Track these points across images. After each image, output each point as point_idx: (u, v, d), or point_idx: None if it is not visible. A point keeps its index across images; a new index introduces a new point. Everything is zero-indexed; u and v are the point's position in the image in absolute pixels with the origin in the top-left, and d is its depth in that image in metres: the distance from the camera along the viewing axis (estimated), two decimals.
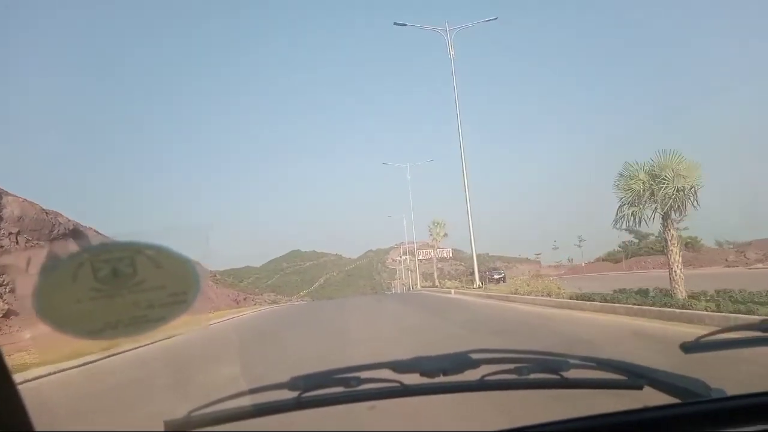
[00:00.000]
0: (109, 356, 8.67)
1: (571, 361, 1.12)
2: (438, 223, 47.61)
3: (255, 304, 40.71)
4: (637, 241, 51.98)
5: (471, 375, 1.08)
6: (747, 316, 6.88)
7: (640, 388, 1.12)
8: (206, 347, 9.53)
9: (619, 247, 53.57)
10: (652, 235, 48.47)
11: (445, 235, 48.06)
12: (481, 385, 1.10)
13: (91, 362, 8.09)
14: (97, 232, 21.84)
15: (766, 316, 6.64)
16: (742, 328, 1.31)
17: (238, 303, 38.85)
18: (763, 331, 1.24)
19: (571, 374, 1.10)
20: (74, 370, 7.65)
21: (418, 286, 47.05)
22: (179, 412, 0.98)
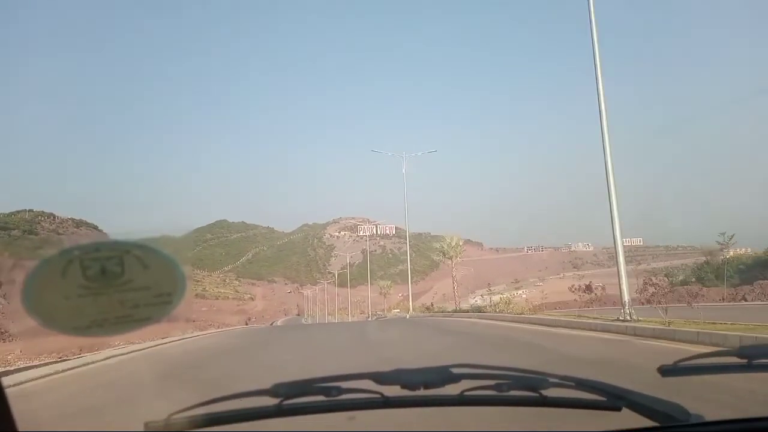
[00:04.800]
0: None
1: (551, 379, 1.19)
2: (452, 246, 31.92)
3: None
4: None
5: (452, 389, 1.15)
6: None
7: (619, 409, 1.18)
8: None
9: None
10: None
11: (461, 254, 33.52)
12: (461, 400, 1.17)
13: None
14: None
15: None
16: (721, 354, 1.35)
17: None
18: (740, 357, 1.27)
19: (551, 392, 1.17)
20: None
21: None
22: (160, 414, 1.05)
